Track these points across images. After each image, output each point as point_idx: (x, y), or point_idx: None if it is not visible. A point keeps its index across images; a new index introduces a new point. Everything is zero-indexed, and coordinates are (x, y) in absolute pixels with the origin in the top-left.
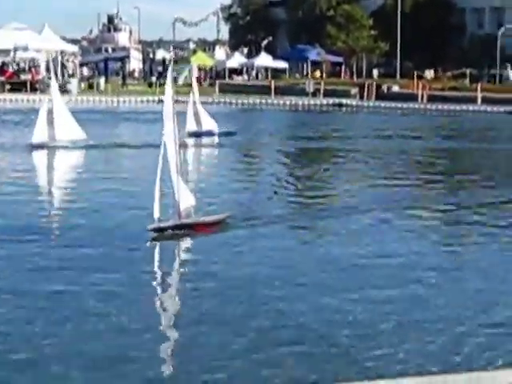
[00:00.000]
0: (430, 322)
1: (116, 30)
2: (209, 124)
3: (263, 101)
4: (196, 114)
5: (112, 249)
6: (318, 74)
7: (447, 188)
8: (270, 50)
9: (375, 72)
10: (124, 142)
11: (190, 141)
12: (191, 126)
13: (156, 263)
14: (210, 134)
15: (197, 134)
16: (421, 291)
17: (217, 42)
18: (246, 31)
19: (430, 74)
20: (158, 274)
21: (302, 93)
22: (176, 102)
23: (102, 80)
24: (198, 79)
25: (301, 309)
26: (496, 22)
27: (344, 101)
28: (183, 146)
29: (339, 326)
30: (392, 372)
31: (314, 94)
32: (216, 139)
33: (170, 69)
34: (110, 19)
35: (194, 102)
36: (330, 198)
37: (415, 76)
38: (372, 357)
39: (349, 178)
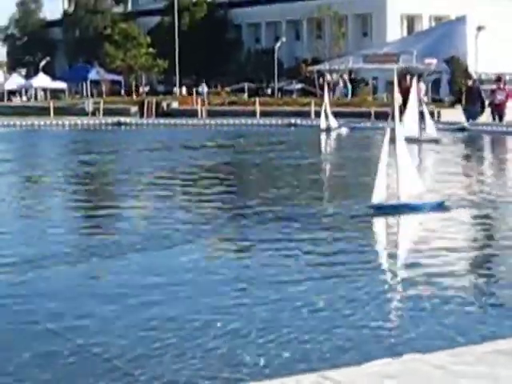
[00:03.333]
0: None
1: None
2: None
3: (42, 122)
4: None
5: None
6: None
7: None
8: (49, 71)
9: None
10: None
11: None
12: None
13: None
14: None
15: None
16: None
17: None
18: (23, 52)
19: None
20: None
21: (82, 112)
22: None
23: None
24: None
25: None
26: (273, 36)
27: (123, 119)
28: None
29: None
30: None
31: (94, 113)
32: None
33: None
34: None
35: None
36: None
37: (194, 93)
38: None
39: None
